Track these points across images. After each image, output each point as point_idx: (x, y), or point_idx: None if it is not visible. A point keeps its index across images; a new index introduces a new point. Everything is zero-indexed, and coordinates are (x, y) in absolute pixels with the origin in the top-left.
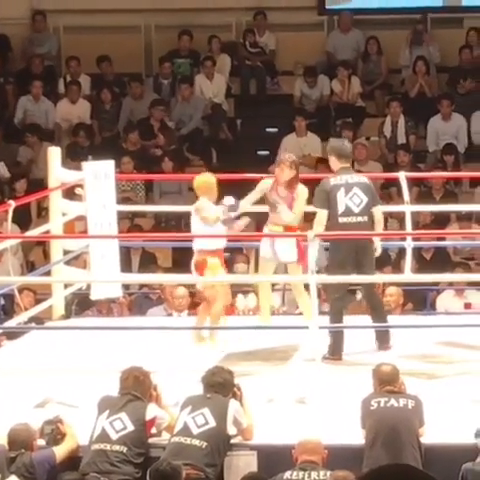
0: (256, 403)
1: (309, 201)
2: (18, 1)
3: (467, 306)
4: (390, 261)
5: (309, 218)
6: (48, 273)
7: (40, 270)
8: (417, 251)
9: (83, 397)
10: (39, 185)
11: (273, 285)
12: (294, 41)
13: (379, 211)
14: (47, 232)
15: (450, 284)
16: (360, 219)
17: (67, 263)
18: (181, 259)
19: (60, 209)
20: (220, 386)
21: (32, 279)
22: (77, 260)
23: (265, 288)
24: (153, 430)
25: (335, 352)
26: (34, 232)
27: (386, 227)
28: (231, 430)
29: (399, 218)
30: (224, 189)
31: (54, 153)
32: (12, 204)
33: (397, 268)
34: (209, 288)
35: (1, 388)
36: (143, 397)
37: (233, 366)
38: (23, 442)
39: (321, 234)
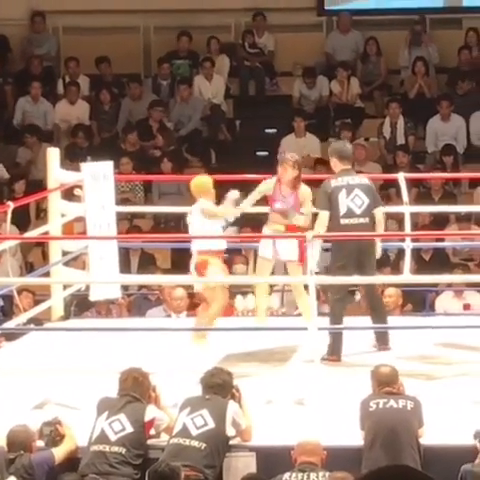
0: (255, 404)
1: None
2: (17, 2)
3: (466, 307)
4: (389, 262)
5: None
6: (47, 274)
7: (39, 271)
8: (416, 252)
9: (82, 398)
10: (38, 186)
11: (272, 286)
12: (293, 42)
13: (380, 212)
14: (46, 233)
15: (449, 285)
16: (362, 220)
17: (66, 264)
18: (180, 260)
19: (59, 210)
20: (219, 387)
21: (31, 280)
22: (76, 261)
23: (261, 289)
24: (152, 431)
25: (334, 353)
26: (33, 233)
27: (385, 228)
28: (230, 431)
29: (398, 219)
30: (223, 190)
31: (53, 154)
32: (11, 205)
33: (396, 269)
34: (209, 289)
35: (0, 389)
36: (142, 398)
37: (232, 367)
38: (22, 443)
39: (319, 235)
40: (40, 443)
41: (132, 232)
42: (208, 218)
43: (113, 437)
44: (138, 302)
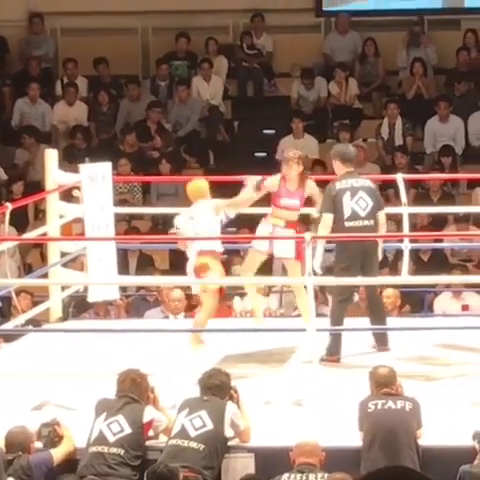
0: (254, 405)
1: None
2: (15, 3)
3: (465, 308)
4: (387, 263)
5: (309, 220)
6: (45, 275)
7: (37, 272)
8: (414, 253)
9: (80, 399)
10: (36, 187)
11: (270, 287)
12: (291, 43)
13: (383, 215)
14: (44, 234)
15: (447, 286)
16: (366, 223)
17: (64, 265)
18: (178, 261)
19: (57, 211)
20: (217, 388)
21: (29, 281)
22: (74, 262)
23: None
24: (150, 432)
25: (334, 354)
26: (31, 234)
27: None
28: (228, 432)
29: (396, 220)
30: (222, 191)
31: (51, 155)
32: (9, 206)
33: (394, 270)
34: (204, 293)
35: None
36: (140, 399)
37: (230, 368)
38: (20, 445)
39: (318, 236)
40: (38, 444)
41: (130, 233)
42: (227, 209)
43: (111, 438)
44: (136, 303)
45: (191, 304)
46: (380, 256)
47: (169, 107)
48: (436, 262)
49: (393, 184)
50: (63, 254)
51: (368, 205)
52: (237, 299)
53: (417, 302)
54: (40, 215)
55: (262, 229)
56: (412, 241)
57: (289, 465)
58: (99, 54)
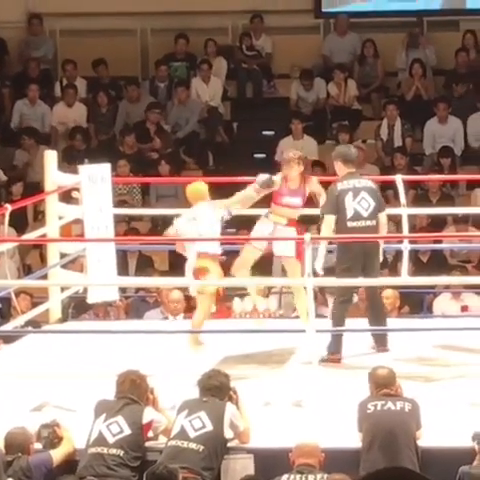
0: (253, 406)
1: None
2: (14, 4)
3: (464, 309)
4: (387, 264)
5: (310, 221)
6: (45, 276)
7: (37, 273)
8: (414, 254)
9: (80, 401)
10: (35, 188)
11: (270, 288)
12: (290, 44)
13: (384, 216)
14: (44, 235)
15: (447, 287)
16: (369, 223)
17: (64, 266)
18: (178, 262)
19: (56, 212)
20: (216, 389)
21: (29, 282)
22: (74, 263)
23: (242, 268)
24: (150, 433)
25: (335, 353)
26: (31, 235)
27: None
28: (228, 433)
29: (396, 221)
30: (221, 192)
31: (50, 156)
32: (8, 208)
33: (394, 271)
34: (200, 295)
35: None
36: (140, 400)
37: (230, 369)
38: (20, 446)
39: (317, 237)
40: (38, 445)
41: (130, 234)
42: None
43: (111, 439)
44: (136, 304)
45: (190, 305)
46: (381, 257)
47: (168, 108)
48: (435, 263)
49: (392, 185)
50: (62, 255)
51: (370, 205)
52: (237, 300)
53: (416, 303)
54: (39, 216)
55: (263, 227)
56: (411, 242)
57: (288, 466)
58: (98, 55)
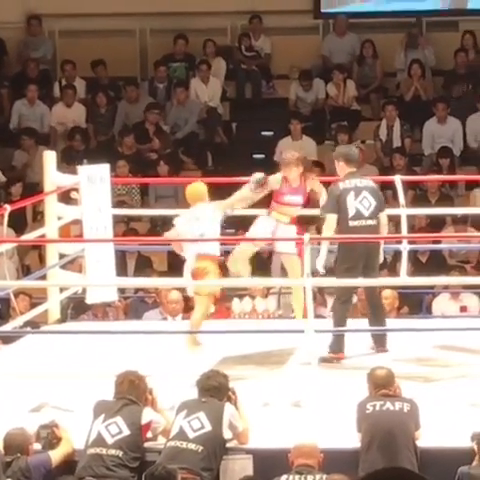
0: (252, 407)
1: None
2: (13, 5)
3: (463, 309)
4: (386, 264)
5: (308, 221)
6: (44, 277)
7: (36, 274)
8: (413, 254)
9: (79, 401)
10: (34, 189)
11: (269, 288)
12: (289, 45)
13: (385, 216)
14: (43, 236)
15: (446, 287)
16: (370, 222)
17: (63, 267)
18: (176, 263)
19: (55, 213)
20: (215, 390)
21: (28, 283)
22: (73, 264)
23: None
24: (149, 434)
25: (336, 351)
26: (30, 236)
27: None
28: (227, 434)
29: (395, 221)
30: (220, 192)
31: (49, 157)
32: (7, 208)
33: (393, 271)
34: (198, 296)
35: None
36: (138, 401)
37: (228, 370)
38: (19, 446)
39: (316, 237)
40: (37, 446)
41: (129, 235)
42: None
43: (110, 440)
44: (135, 305)
45: (189, 306)
46: (381, 257)
47: (167, 109)
48: (434, 263)
49: (391, 186)
50: (61, 256)
51: (371, 205)
52: (236, 300)
53: (415, 303)
54: (38, 217)
55: (265, 224)
56: (410, 242)
57: (287, 467)
58: (97, 56)
